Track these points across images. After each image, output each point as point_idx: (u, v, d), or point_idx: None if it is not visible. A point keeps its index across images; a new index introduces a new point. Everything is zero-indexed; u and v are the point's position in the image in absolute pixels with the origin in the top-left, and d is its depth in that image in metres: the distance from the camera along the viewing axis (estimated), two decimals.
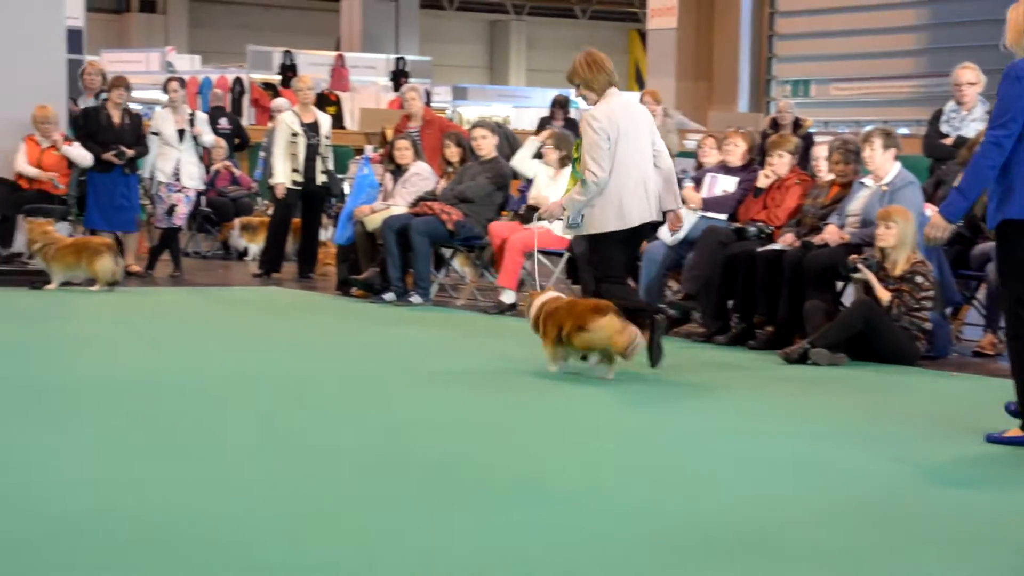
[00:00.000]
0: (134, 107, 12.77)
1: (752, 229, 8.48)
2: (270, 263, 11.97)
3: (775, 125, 14.34)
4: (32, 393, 6.03)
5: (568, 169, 8.40)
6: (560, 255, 9.76)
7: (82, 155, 11.04)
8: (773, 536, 4.05)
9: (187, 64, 25.85)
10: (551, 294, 7.21)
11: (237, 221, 13.60)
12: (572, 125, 13.47)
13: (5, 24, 10.84)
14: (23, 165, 10.93)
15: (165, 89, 12.20)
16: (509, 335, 8.40)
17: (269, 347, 7.91)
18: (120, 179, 11.39)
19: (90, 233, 11.06)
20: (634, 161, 7.11)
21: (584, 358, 6.99)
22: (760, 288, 8.17)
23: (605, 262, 7.24)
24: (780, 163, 8.75)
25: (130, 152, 11.32)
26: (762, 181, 8.81)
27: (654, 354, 7.01)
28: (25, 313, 9.02)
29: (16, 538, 3.76)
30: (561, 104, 14.58)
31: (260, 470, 4.71)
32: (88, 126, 11.36)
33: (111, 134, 11.28)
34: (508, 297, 9.67)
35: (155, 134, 11.69)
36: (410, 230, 9.87)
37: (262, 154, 14.06)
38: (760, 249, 8.26)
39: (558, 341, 6.83)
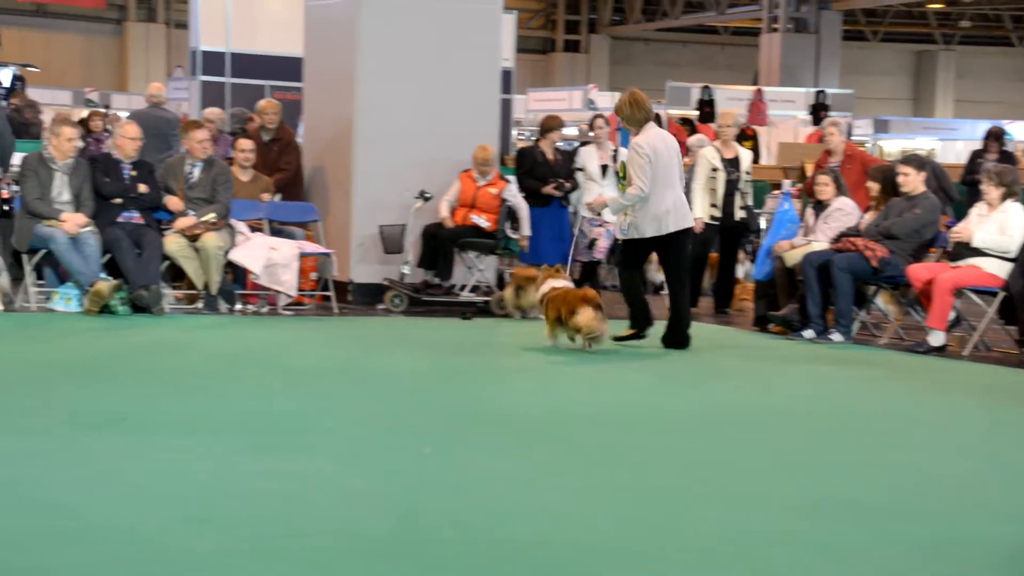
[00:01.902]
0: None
1: None
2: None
3: None
4: (466, 422, 6.31)
5: None
6: (994, 293, 9.25)
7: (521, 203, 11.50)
8: None
9: (608, 101, 26.47)
10: (561, 281, 8.93)
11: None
12: (1008, 158, 12.75)
13: (445, 65, 11.43)
14: (444, 206, 11.44)
15: (590, 126, 12.55)
16: (938, 377, 8.03)
17: (682, 382, 7.93)
18: (556, 213, 11.82)
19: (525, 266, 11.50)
20: (669, 181, 8.98)
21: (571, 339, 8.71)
22: None
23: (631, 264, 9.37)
24: None
25: (568, 185, 11.76)
26: None
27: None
28: (458, 344, 9.47)
29: (462, 561, 3.92)
30: (996, 136, 13.85)
31: (679, 504, 4.70)
32: (525, 163, 11.93)
33: (546, 170, 11.77)
34: (936, 339, 9.26)
35: (579, 170, 12.04)
36: (832, 266, 9.67)
37: None
38: None
39: (559, 321, 8.61)
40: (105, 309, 9.82)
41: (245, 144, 11.40)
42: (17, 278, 10.34)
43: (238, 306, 10.62)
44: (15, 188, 10.82)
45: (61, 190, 10.21)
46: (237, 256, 10.51)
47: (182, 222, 10.40)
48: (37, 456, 4.84)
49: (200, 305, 10.46)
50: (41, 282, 10.36)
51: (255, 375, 7.51)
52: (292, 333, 9.51)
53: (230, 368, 7.77)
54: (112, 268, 10.15)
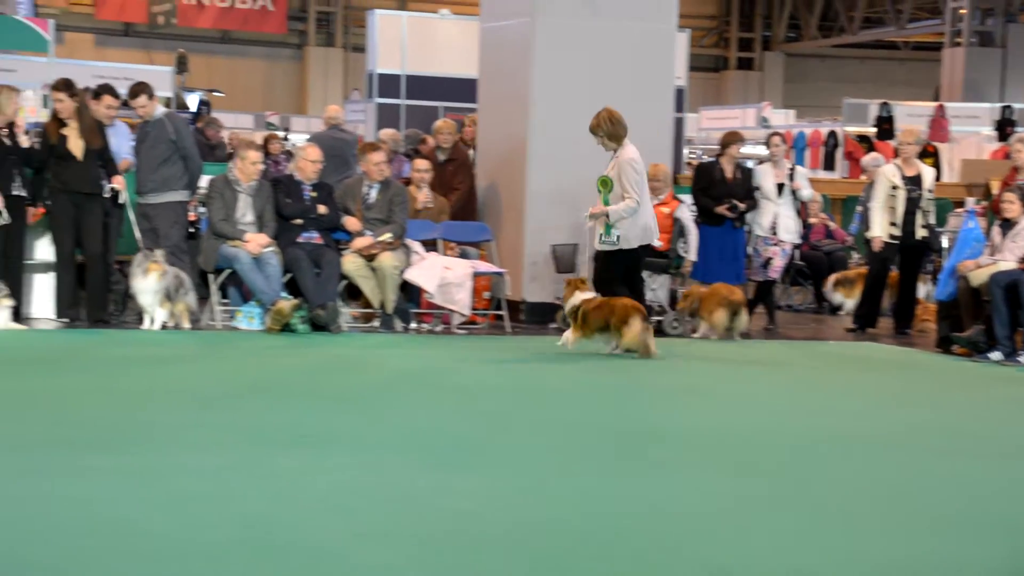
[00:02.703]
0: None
1: None
2: (865, 318, 11.76)
3: None
4: (635, 440, 6.27)
5: None
6: None
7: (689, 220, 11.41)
8: None
9: (782, 119, 26.14)
10: (588, 292, 9.37)
11: (832, 275, 13.50)
12: None
13: (618, 84, 11.42)
14: None
15: (767, 144, 12.38)
16: None
17: (862, 403, 7.74)
18: (729, 233, 11.70)
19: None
20: (647, 195, 9.75)
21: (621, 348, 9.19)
22: None
23: (620, 273, 9.62)
24: None
25: (742, 206, 11.62)
26: None
27: None
28: (630, 363, 9.42)
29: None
30: None
31: (865, 528, 4.58)
32: (701, 180, 11.84)
33: (723, 188, 11.65)
34: None
35: (755, 188, 11.89)
36: (1020, 286, 9.33)
37: (859, 208, 13.86)
38: None
39: (603, 330, 9.20)
40: (286, 327, 10.07)
41: (422, 164, 11.57)
42: (204, 297, 10.68)
43: (413, 325, 10.77)
44: (202, 210, 11.20)
45: (245, 211, 10.52)
46: (412, 275, 10.67)
47: (359, 242, 10.61)
48: (228, 471, 4.99)
49: (376, 323, 10.64)
50: (226, 301, 10.68)
51: (429, 393, 7.60)
52: (465, 352, 9.60)
53: (405, 386, 7.88)
54: (292, 287, 10.41)
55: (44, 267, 10.49)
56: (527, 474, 5.30)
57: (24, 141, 10.14)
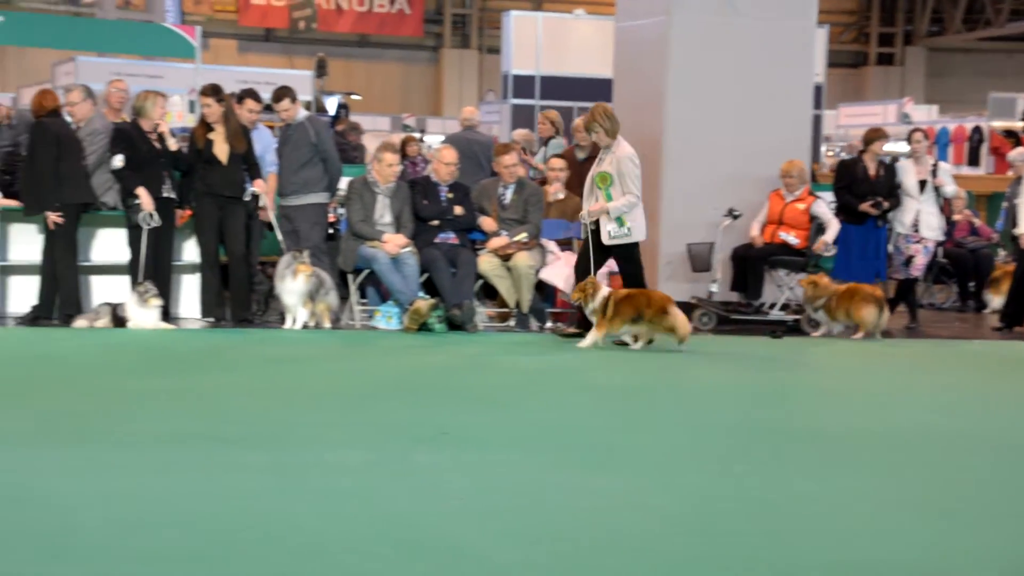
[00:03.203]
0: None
1: None
2: (1012, 317, 11.45)
3: None
4: (773, 440, 6.21)
5: None
6: None
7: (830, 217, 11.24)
8: None
9: (924, 115, 25.59)
10: (605, 289, 9.45)
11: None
12: None
13: (756, 81, 11.31)
14: (756, 226, 11.27)
15: (908, 140, 12.13)
16: None
17: (1015, 405, 7.55)
18: (871, 231, 11.50)
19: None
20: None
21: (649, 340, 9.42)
22: None
23: (639, 264, 9.79)
24: None
25: (886, 204, 11.42)
26: None
27: None
28: (768, 362, 9.34)
29: None
30: None
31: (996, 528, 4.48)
32: (844, 177, 11.66)
33: (866, 186, 11.46)
34: None
35: (897, 186, 11.66)
36: None
37: (1004, 204, 13.51)
38: None
39: (635, 321, 9.35)
40: (423, 327, 10.20)
41: (557, 163, 11.61)
42: (343, 297, 10.87)
43: (548, 324, 10.81)
44: (341, 211, 11.40)
45: (383, 212, 10.68)
46: (547, 275, 10.72)
47: (495, 242, 10.69)
48: (369, 468, 5.08)
49: (512, 323, 10.71)
50: (364, 301, 10.85)
51: (565, 392, 7.62)
52: (601, 351, 9.60)
53: (541, 385, 7.92)
54: (429, 287, 10.53)
55: (190, 268, 10.79)
56: (664, 474, 5.29)
57: (173, 145, 10.44)
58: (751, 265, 11.10)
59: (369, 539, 4.02)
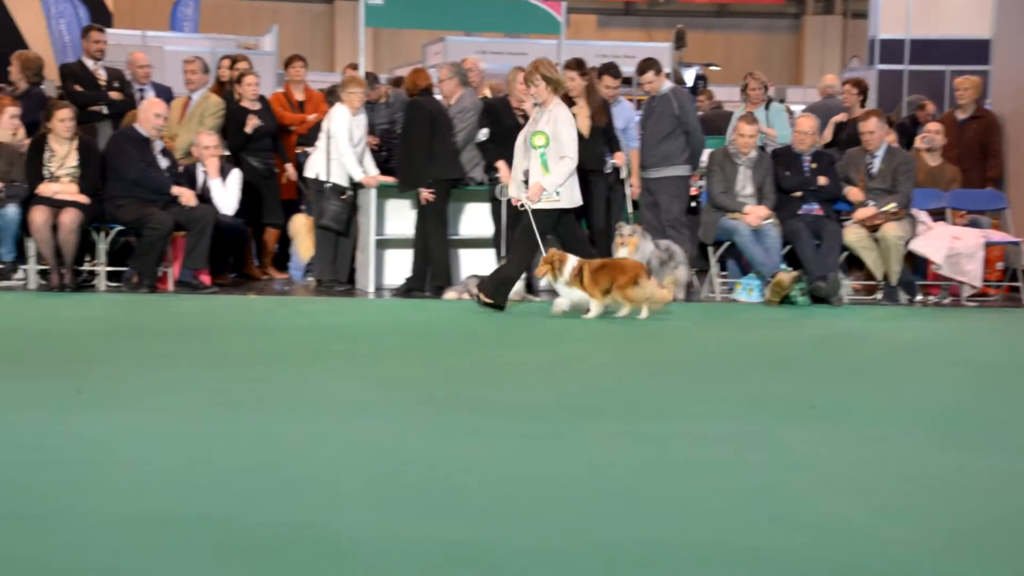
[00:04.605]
0: None
1: None
2: None
3: None
4: None
5: None
6: None
7: None
8: None
9: None
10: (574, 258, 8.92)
11: None
12: None
13: None
14: None
15: None
16: None
17: None
18: None
19: None
20: None
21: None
22: None
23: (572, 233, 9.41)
24: None
25: None
26: None
27: None
28: None
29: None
30: None
31: None
32: None
33: None
34: None
35: None
36: None
37: None
38: None
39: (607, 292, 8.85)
40: (785, 299, 10.00)
41: (933, 127, 11.11)
42: (702, 270, 10.81)
43: (919, 297, 10.38)
44: (700, 184, 11.33)
45: (745, 184, 10.53)
46: (918, 246, 10.28)
47: (862, 212, 10.34)
48: (733, 440, 5.00)
49: (879, 296, 10.35)
50: (724, 273, 10.75)
51: (938, 367, 7.30)
52: (976, 325, 9.13)
53: (912, 360, 7.60)
54: (791, 259, 10.31)
55: None
56: None
57: None
58: None
59: (732, 512, 3.96)
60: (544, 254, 9.09)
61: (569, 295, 9.02)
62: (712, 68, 25.71)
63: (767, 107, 11.70)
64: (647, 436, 5.06)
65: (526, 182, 9.28)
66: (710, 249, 10.68)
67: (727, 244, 10.56)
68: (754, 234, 10.29)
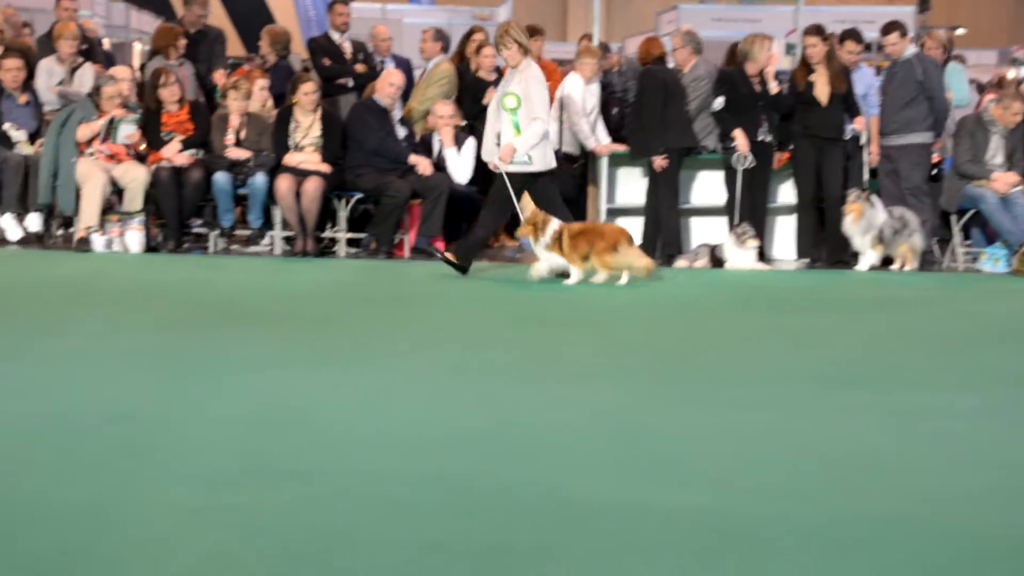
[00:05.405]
0: None
1: None
2: None
3: None
4: None
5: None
6: None
7: None
8: None
9: None
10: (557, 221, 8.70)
11: None
12: None
13: None
14: None
15: None
16: None
17: None
18: None
19: None
20: None
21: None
22: None
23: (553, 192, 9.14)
24: None
25: None
26: None
27: None
28: None
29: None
30: None
31: None
32: None
33: None
34: None
35: None
36: None
37: None
38: None
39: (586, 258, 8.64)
40: None
41: None
42: (944, 239, 10.44)
43: None
44: (944, 149, 10.95)
45: (996, 152, 10.13)
46: None
47: None
48: (984, 413, 4.82)
49: None
50: (968, 242, 10.36)
51: None
52: None
53: None
54: None
55: (787, 210, 10.82)
56: None
57: (774, 88, 10.48)
58: None
59: (985, 488, 3.82)
60: (523, 216, 9.01)
61: (548, 259, 8.86)
62: (959, 31, 24.68)
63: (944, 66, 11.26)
64: (887, 408, 4.93)
65: (500, 145, 9.09)
66: (952, 218, 10.31)
67: (971, 212, 10.17)
68: (1002, 202, 9.88)
